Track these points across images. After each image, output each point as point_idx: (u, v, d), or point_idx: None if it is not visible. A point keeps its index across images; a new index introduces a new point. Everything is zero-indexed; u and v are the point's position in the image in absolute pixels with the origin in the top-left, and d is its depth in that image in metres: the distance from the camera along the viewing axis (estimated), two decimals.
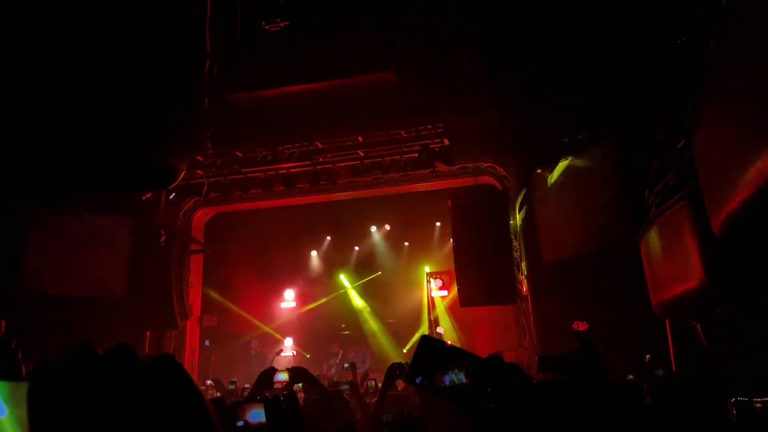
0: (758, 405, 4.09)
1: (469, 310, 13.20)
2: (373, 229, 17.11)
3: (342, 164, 12.67)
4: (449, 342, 1.75)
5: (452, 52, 9.26)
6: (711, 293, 5.41)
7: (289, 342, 16.13)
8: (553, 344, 9.81)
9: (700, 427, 3.06)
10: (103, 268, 12.60)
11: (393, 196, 14.29)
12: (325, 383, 9.31)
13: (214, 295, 15.59)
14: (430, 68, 9.69)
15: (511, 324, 12.72)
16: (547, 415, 1.69)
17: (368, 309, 17.02)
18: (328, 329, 16.48)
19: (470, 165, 12.79)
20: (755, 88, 3.47)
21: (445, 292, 15.41)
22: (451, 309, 15.36)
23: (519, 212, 11.99)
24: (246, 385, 8.23)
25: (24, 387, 1.04)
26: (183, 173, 10.62)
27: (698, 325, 6.75)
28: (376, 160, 12.47)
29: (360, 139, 12.10)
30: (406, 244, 16.79)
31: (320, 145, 12.37)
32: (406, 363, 4.78)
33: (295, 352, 16.47)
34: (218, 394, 8.31)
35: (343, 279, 17.49)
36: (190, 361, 13.75)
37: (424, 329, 15.56)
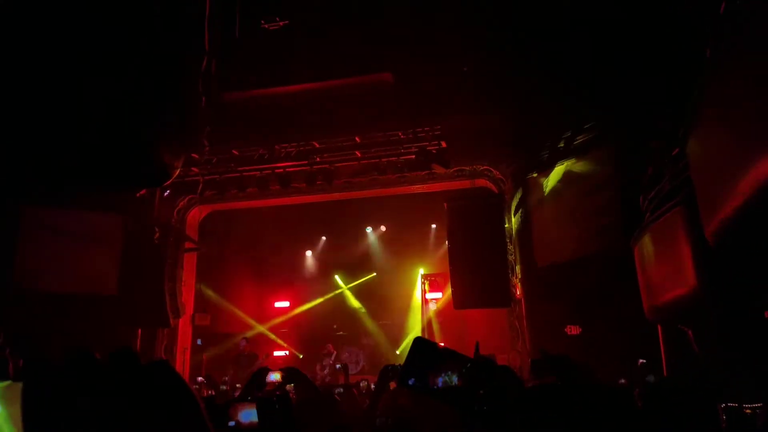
0: (748, 411, 4.11)
1: (462, 313, 13.22)
2: (369, 230, 17.12)
3: (339, 164, 12.66)
4: (442, 344, 1.76)
5: (451, 54, 9.28)
6: (703, 299, 5.44)
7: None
8: (546, 348, 9.83)
9: None
10: (96, 266, 12.55)
11: (389, 198, 14.30)
12: (318, 383, 9.31)
13: (209, 292, 15.56)
14: (428, 70, 9.71)
15: (504, 327, 12.74)
16: (540, 418, 1.70)
17: (363, 310, 17.02)
18: (321, 330, 16.47)
19: (467, 168, 12.80)
20: (750, 97, 3.49)
21: (439, 294, 15.44)
22: (443, 312, 15.37)
23: (514, 216, 12.02)
24: (237, 385, 8.22)
25: (16, 387, 1.05)
26: (178, 170, 10.57)
27: (690, 331, 6.78)
28: (373, 161, 12.47)
29: (357, 139, 12.10)
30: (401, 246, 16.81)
31: (317, 145, 12.36)
32: (400, 365, 4.78)
33: (287, 352, 16.47)
34: (211, 391, 8.30)
35: (338, 280, 17.48)
36: (181, 360, 13.70)
37: (417, 331, 15.58)
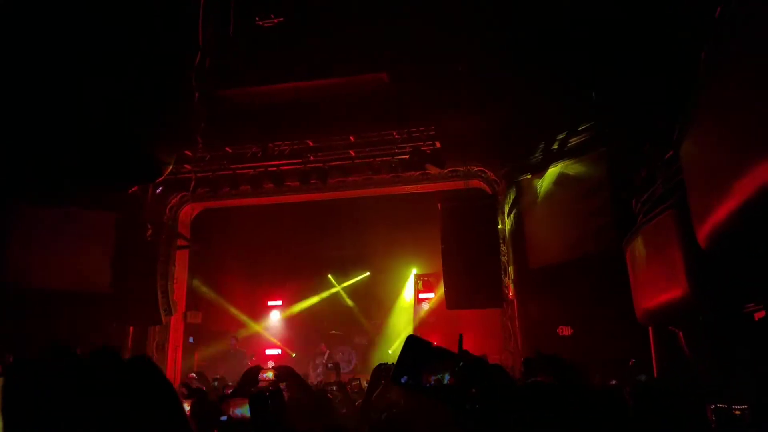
0: (737, 412, 4.13)
1: (454, 313, 13.23)
2: (363, 229, 17.09)
3: (333, 163, 12.64)
4: (435, 342, 1.76)
5: (446, 55, 9.29)
6: (694, 302, 5.46)
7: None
8: (533, 350, 9.86)
9: None
10: (88, 263, 12.51)
11: (383, 197, 14.29)
12: (311, 382, 9.31)
13: (204, 288, 15.53)
14: (423, 70, 9.71)
15: (496, 328, 12.76)
16: (532, 417, 1.70)
17: (356, 309, 17.02)
18: (314, 329, 16.46)
19: (461, 168, 12.82)
20: (746, 101, 3.51)
21: (432, 294, 15.48)
22: (436, 311, 15.40)
23: (508, 216, 12.04)
24: (229, 383, 8.20)
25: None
26: (170, 167, 10.56)
27: (680, 333, 6.81)
28: (367, 160, 12.46)
29: (352, 138, 12.09)
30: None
31: (311, 144, 12.35)
32: (392, 364, 4.79)
33: (279, 351, 16.45)
34: (202, 386, 8.28)
35: (331, 279, 17.46)
36: (173, 358, 13.67)
37: (409, 330, 15.59)
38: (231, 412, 2.66)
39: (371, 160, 12.43)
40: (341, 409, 4.89)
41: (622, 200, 8.26)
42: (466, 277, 12.16)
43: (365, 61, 9.58)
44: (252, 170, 12.83)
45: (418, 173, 12.60)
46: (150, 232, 12.70)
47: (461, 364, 1.66)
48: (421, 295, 15.84)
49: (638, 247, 7.09)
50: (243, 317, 16.58)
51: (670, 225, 5.82)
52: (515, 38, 8.72)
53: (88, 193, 12.23)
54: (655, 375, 7.40)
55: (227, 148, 12.44)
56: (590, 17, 7.98)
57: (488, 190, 12.97)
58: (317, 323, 16.69)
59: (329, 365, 13.61)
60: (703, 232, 4.61)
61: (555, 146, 10.66)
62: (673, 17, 6.81)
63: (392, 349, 15.86)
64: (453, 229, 12.54)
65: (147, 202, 12.87)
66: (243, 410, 2.57)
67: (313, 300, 17.23)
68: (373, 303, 16.90)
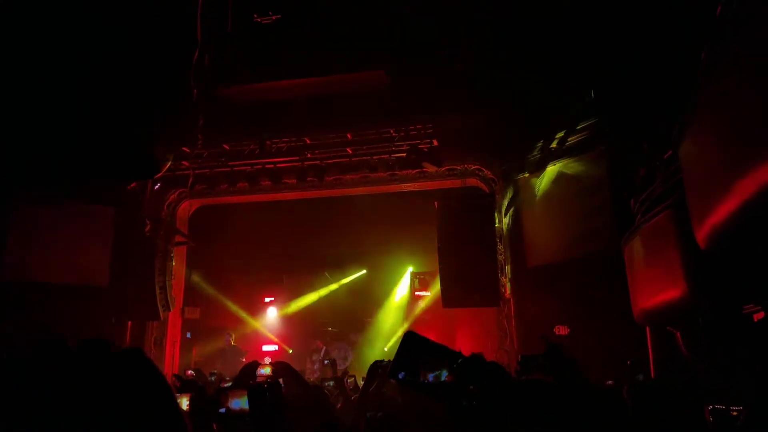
0: (734, 413, 4.13)
1: (450, 311, 13.23)
2: (359, 227, 17.09)
3: (330, 161, 12.64)
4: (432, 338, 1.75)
5: (445, 53, 9.27)
6: (692, 303, 5.46)
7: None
8: (534, 348, 9.85)
9: None
10: (87, 257, 12.48)
11: (380, 195, 14.27)
12: (308, 378, 9.30)
13: (202, 284, 15.51)
14: (422, 68, 9.70)
15: (492, 326, 12.76)
16: (529, 415, 1.69)
17: (352, 306, 17.02)
18: (311, 325, 16.46)
19: (458, 167, 12.80)
20: (746, 101, 3.50)
21: (428, 293, 15.50)
22: (431, 310, 15.43)
23: (505, 215, 12.03)
24: (227, 378, 8.20)
25: None
26: (169, 163, 10.54)
27: (678, 334, 6.81)
28: (364, 158, 12.45)
29: (349, 136, 12.07)
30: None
31: (309, 141, 12.33)
32: (388, 360, 4.79)
33: (276, 347, 16.45)
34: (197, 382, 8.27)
35: (328, 276, 17.45)
36: (171, 353, 13.67)
37: (404, 327, 15.60)
38: (229, 404, 2.65)
39: (368, 157, 12.42)
40: (337, 405, 4.89)
41: (621, 200, 8.25)
42: (463, 276, 12.15)
43: (363, 58, 9.56)
44: (249, 167, 12.82)
45: (415, 171, 12.59)
46: (149, 227, 12.69)
47: (459, 360, 1.65)
48: (417, 293, 15.86)
49: (636, 247, 7.09)
50: (241, 313, 16.56)
51: (668, 225, 5.82)
52: (515, 37, 8.71)
53: (87, 187, 12.21)
54: (653, 375, 7.40)
55: (225, 145, 12.42)
56: (590, 17, 7.97)
57: (485, 188, 12.96)
58: (314, 320, 16.70)
59: (326, 362, 13.60)
60: (701, 232, 4.61)
61: (554, 145, 10.65)
62: (673, 17, 6.81)
63: (388, 346, 15.87)
64: (450, 227, 12.53)
65: (145, 198, 12.85)
66: (241, 402, 2.57)
67: (312, 297, 17.23)
68: (370, 301, 16.90)
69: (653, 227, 6.33)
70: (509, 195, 11.87)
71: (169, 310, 13.31)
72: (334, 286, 17.38)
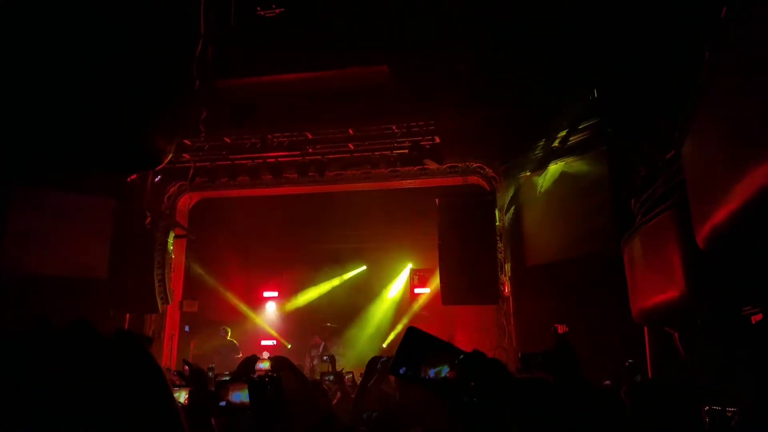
0: (730, 414, 4.14)
1: (449, 308, 13.24)
2: (360, 223, 17.10)
3: (331, 156, 12.63)
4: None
5: (447, 50, 9.27)
6: (691, 303, 5.46)
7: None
8: (533, 346, 9.86)
9: None
10: (86, 249, 12.47)
11: (381, 191, 14.27)
12: (307, 374, 9.30)
13: (201, 277, 15.50)
14: (425, 65, 9.69)
15: (490, 324, 12.78)
16: (529, 413, 1.69)
17: (352, 302, 17.04)
18: (310, 321, 16.47)
19: (459, 164, 12.80)
20: (749, 102, 3.50)
21: (427, 290, 15.52)
22: (430, 306, 15.45)
23: (506, 214, 12.04)
24: (226, 373, 8.19)
25: None
26: (170, 155, 10.47)
27: (676, 334, 6.82)
28: (365, 154, 12.45)
29: (351, 132, 12.07)
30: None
31: (310, 136, 12.32)
32: (387, 356, 4.79)
33: (275, 342, 16.46)
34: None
35: (328, 272, 17.47)
36: (168, 346, 13.69)
37: (403, 323, 15.63)
38: (230, 398, 2.65)
39: (370, 153, 12.41)
40: (335, 400, 4.90)
41: (621, 200, 8.26)
42: (463, 273, 12.16)
43: (367, 53, 9.55)
44: (250, 161, 12.82)
45: (416, 168, 12.60)
46: (148, 220, 12.68)
47: (461, 357, 1.65)
48: (416, 290, 15.88)
49: (636, 247, 7.09)
50: (240, 307, 16.58)
51: (669, 225, 5.82)
52: (516, 36, 8.70)
53: (87, 179, 12.19)
54: (650, 375, 7.41)
55: (226, 138, 12.42)
56: (590, 17, 7.96)
57: (486, 186, 12.96)
58: (312, 315, 16.71)
59: (324, 357, 13.61)
60: (702, 233, 4.60)
61: (555, 144, 10.64)
62: (674, 17, 6.80)
63: (387, 342, 15.90)
64: (450, 224, 12.53)
65: (146, 191, 12.84)
66: (242, 396, 2.56)
67: (313, 294, 17.25)
68: (369, 296, 16.92)
69: (654, 227, 6.33)
70: (510, 193, 11.88)
71: (168, 303, 13.31)
72: (335, 282, 17.40)
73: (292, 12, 8.57)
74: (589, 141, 10.11)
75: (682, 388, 4.92)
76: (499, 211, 12.31)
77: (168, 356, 13.57)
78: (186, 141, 11.87)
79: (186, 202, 14.60)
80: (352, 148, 12.44)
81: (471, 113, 10.60)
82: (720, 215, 4.03)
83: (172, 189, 13.98)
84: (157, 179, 13.12)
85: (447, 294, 12.42)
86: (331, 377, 6.34)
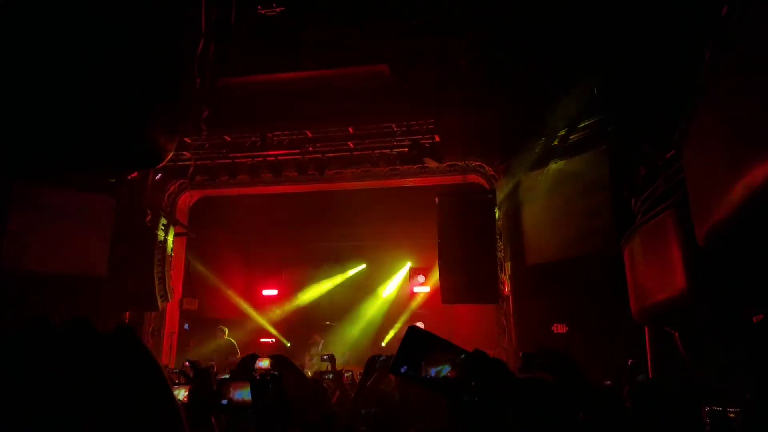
0: (731, 415, 4.14)
1: (448, 307, 13.23)
2: (360, 222, 17.10)
3: (331, 155, 12.62)
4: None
5: (448, 49, 9.27)
6: (692, 303, 5.46)
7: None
8: (533, 345, 9.87)
9: None
10: (86, 246, 12.44)
11: (380, 190, 14.27)
12: (306, 372, 9.31)
13: (201, 275, 15.50)
14: (425, 63, 9.69)
15: (489, 323, 12.78)
16: (530, 413, 1.69)
17: (351, 301, 17.04)
18: (309, 320, 16.47)
19: (459, 163, 12.79)
20: (748, 101, 3.49)
21: (427, 288, 15.52)
22: (429, 305, 15.45)
23: (505, 213, 12.03)
24: (227, 370, 8.19)
25: None
26: (171, 153, 10.46)
27: (677, 334, 6.82)
28: (365, 152, 12.45)
29: (350, 130, 12.07)
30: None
31: (310, 134, 12.32)
32: (386, 355, 4.80)
33: (274, 340, 16.46)
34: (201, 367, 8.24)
35: (327, 270, 17.47)
36: (168, 344, 13.67)
37: (402, 322, 15.65)
38: (232, 396, 2.65)
39: (370, 152, 12.41)
40: (333, 398, 4.90)
41: (621, 199, 8.25)
42: (462, 272, 12.14)
43: (367, 52, 9.55)
44: (250, 159, 12.81)
45: (416, 167, 12.59)
46: (149, 218, 12.66)
47: (462, 356, 1.65)
48: (415, 289, 15.88)
49: (636, 247, 7.09)
50: (241, 305, 16.57)
51: (669, 224, 5.82)
52: (517, 35, 8.70)
53: (88, 176, 12.17)
54: (650, 374, 7.41)
55: (226, 137, 12.42)
56: (590, 17, 7.96)
57: (486, 185, 12.95)
58: (312, 314, 16.71)
59: (324, 356, 13.61)
60: (702, 232, 4.60)
61: (555, 143, 10.64)
62: (674, 17, 6.80)
63: (386, 341, 15.90)
64: (450, 223, 12.51)
65: (146, 188, 12.83)
66: (244, 394, 2.56)
67: (313, 293, 17.24)
68: (369, 295, 16.93)
69: (654, 226, 6.33)
70: (510, 192, 11.87)
71: (168, 300, 13.29)
72: (337, 279, 17.39)
73: (293, 11, 8.55)
74: (589, 140, 10.11)
75: (683, 388, 4.92)
76: (499, 209, 12.30)
77: (167, 354, 13.57)
78: (186, 139, 11.86)
79: (186, 200, 14.60)
80: (351, 146, 12.44)
81: (471, 112, 10.60)
82: (720, 214, 4.03)
83: (173, 187, 13.98)
84: (157, 177, 13.11)
85: (447, 293, 12.40)
86: (331, 376, 6.34)
